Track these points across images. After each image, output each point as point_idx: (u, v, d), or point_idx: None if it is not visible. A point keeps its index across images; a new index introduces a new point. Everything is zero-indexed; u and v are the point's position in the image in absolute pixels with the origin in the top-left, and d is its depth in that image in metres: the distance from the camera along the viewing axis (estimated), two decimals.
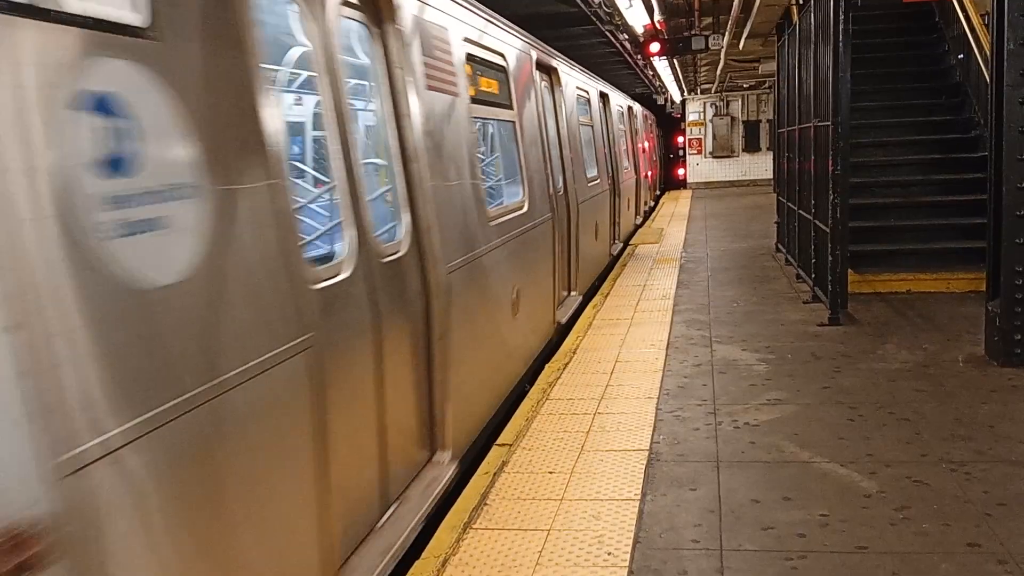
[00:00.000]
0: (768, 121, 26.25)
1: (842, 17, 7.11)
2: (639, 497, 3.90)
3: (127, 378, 1.87)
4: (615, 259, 12.05)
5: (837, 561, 3.28)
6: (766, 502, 3.82)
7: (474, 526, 3.70)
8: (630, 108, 17.62)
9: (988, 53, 6.78)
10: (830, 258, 7.37)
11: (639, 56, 17.95)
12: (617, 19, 13.98)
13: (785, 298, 8.56)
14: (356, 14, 3.70)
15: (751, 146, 28.41)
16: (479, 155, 5.32)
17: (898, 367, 5.88)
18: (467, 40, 5.17)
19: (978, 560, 3.23)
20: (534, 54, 7.42)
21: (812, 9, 8.29)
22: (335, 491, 2.85)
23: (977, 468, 4.08)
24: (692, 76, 26.36)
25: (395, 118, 3.97)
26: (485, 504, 3.91)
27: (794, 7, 11.56)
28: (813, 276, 8.38)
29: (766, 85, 25.27)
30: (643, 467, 4.25)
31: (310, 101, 3.44)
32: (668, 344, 6.78)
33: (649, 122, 23.98)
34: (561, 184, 8.00)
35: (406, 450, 3.81)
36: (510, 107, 6.31)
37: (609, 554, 3.39)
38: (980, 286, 6.57)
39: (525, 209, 6.20)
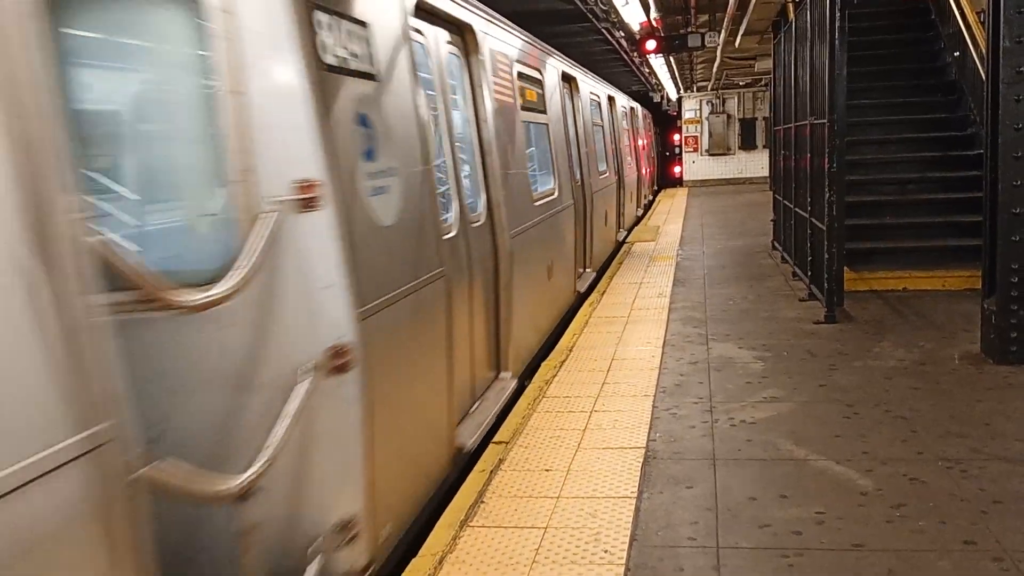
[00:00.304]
0: (764, 119, 26.24)
1: (838, 14, 7.10)
2: (636, 495, 3.90)
3: (379, 273, 3.23)
4: (620, 245, 13.30)
5: (834, 559, 3.28)
6: (762, 500, 3.82)
7: (471, 524, 3.69)
8: (632, 109, 19.09)
9: (984, 50, 6.79)
10: (826, 256, 7.37)
11: (635, 53, 17.95)
12: (613, 16, 13.98)
13: (781, 296, 8.57)
14: (454, 49, 5.20)
15: (747, 144, 28.38)
16: (526, 151, 6.67)
17: (894, 365, 5.88)
18: (518, 61, 6.68)
19: (974, 557, 3.24)
20: (560, 66, 9.02)
21: (808, 6, 8.28)
22: (455, 379, 4.17)
23: (973, 465, 4.09)
24: (688, 73, 26.37)
25: (476, 122, 5.39)
26: (482, 502, 3.91)
27: (790, 4, 11.59)
28: (809, 274, 8.39)
29: (762, 83, 25.27)
30: (640, 465, 4.25)
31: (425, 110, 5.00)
32: (664, 342, 6.78)
33: (647, 121, 24.16)
34: (579, 176, 9.37)
35: (484, 366, 5.19)
36: (544, 112, 7.74)
37: (606, 552, 3.39)
38: (976, 284, 6.57)
39: (556, 196, 7.59)
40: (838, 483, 3.97)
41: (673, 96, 30.52)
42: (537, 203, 6.67)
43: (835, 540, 3.42)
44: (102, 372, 1.78)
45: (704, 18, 16.89)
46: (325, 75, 2.97)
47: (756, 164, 27.21)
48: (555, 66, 8.67)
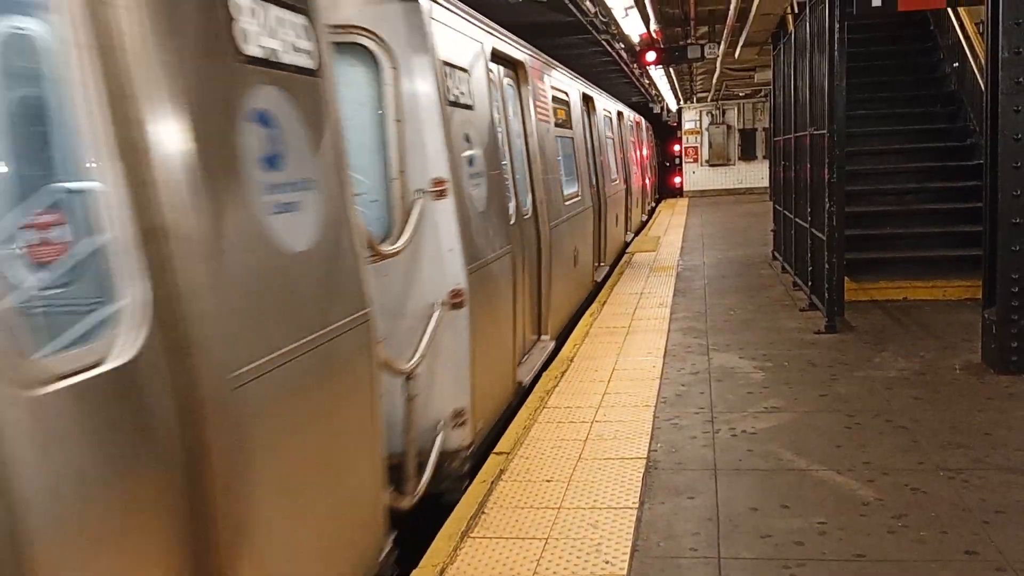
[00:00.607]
0: (764, 129, 26.29)
1: (837, 26, 7.13)
2: (637, 505, 3.90)
3: (477, 243, 4.62)
4: (626, 245, 14.64)
5: (835, 569, 3.27)
6: (764, 510, 3.82)
7: (471, 535, 3.69)
8: (638, 122, 20.54)
9: (983, 61, 6.82)
10: (826, 266, 7.38)
11: (635, 65, 18.00)
12: (613, 28, 14.03)
13: (782, 306, 8.57)
14: (511, 80, 6.68)
15: (747, 154, 28.42)
16: (559, 160, 8.13)
17: (895, 375, 5.88)
18: (551, 86, 8.23)
19: (976, 568, 3.23)
20: (581, 88, 10.62)
21: (807, 18, 8.32)
22: (516, 330, 5.57)
23: (974, 475, 4.08)
24: (688, 85, 26.44)
25: (524, 136, 6.82)
26: (483, 512, 3.90)
27: (789, 16, 11.62)
28: (809, 284, 8.39)
29: (762, 94, 25.32)
30: (641, 475, 4.25)
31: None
32: (665, 352, 6.78)
33: (649, 133, 24.41)
34: (596, 182, 10.76)
35: (530, 329, 6.42)
36: (570, 128, 9.25)
37: (607, 563, 3.38)
38: (976, 293, 6.57)
39: (579, 198, 9.03)
40: (839, 493, 3.96)
41: (673, 107, 30.59)
42: (567, 203, 8.14)
43: (837, 550, 3.41)
44: (368, 284, 3.00)
45: (704, 30, 16.94)
46: (449, 108, 4.48)
47: (756, 174, 27.23)
48: (577, 88, 10.28)
